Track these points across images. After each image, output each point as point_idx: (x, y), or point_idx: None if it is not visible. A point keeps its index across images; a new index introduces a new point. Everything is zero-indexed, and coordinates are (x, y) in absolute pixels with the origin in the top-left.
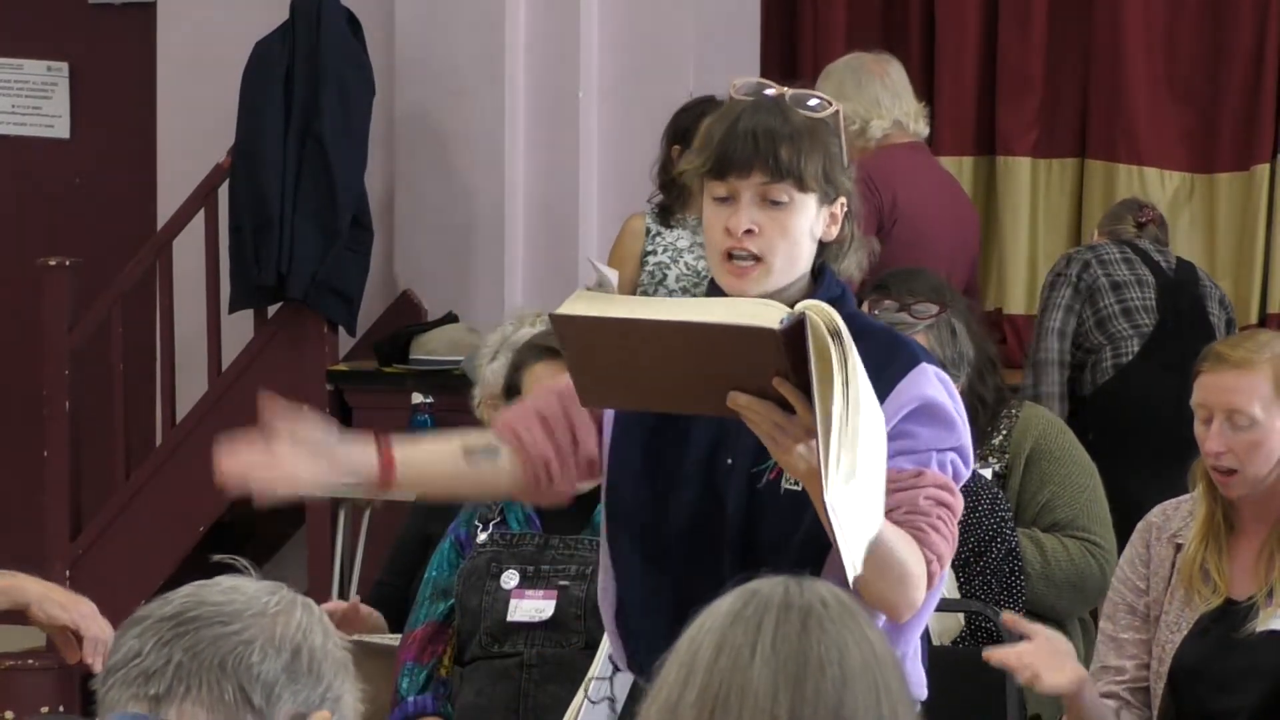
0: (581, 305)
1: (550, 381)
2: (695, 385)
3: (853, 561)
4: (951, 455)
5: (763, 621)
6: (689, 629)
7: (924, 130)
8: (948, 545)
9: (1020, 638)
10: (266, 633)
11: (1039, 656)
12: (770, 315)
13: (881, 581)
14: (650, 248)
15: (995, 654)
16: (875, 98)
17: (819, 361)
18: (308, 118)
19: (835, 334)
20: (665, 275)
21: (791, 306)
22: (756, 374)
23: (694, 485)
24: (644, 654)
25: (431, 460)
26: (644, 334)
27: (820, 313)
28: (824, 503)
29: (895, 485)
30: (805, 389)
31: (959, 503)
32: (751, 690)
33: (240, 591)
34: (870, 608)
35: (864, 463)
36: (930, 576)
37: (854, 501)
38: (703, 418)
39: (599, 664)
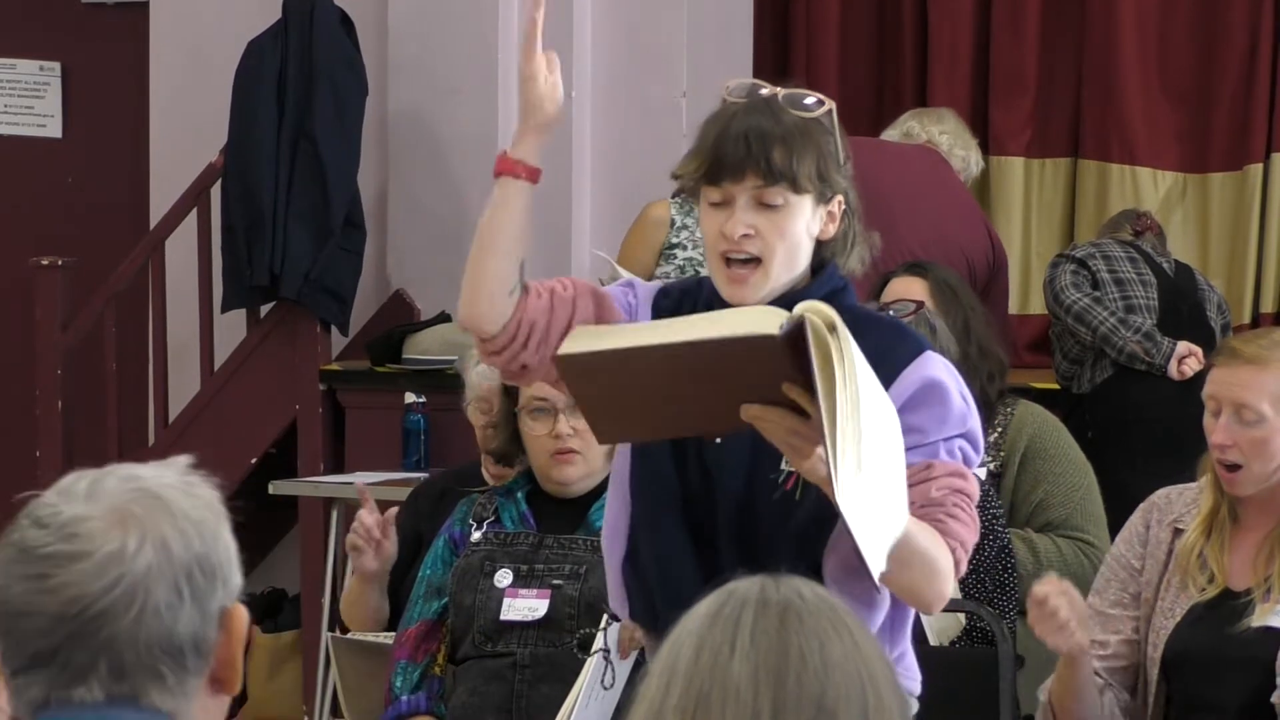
0: (579, 342)
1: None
2: (708, 404)
3: (875, 559)
4: (960, 441)
5: (740, 618)
6: (669, 635)
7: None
8: (969, 530)
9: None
10: (160, 578)
11: (1056, 617)
12: (769, 322)
13: (909, 576)
14: (675, 240)
15: (1040, 590)
16: (976, 148)
17: (820, 361)
18: (300, 117)
19: (832, 328)
20: (698, 273)
21: (791, 306)
22: (765, 383)
23: (692, 466)
24: (644, 606)
25: (521, 217)
26: (647, 360)
27: (817, 312)
28: (837, 501)
29: (906, 481)
30: (813, 391)
31: (974, 486)
32: (733, 687)
33: (90, 539)
34: (854, 603)
35: (872, 456)
36: (957, 564)
37: (868, 496)
38: None
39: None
